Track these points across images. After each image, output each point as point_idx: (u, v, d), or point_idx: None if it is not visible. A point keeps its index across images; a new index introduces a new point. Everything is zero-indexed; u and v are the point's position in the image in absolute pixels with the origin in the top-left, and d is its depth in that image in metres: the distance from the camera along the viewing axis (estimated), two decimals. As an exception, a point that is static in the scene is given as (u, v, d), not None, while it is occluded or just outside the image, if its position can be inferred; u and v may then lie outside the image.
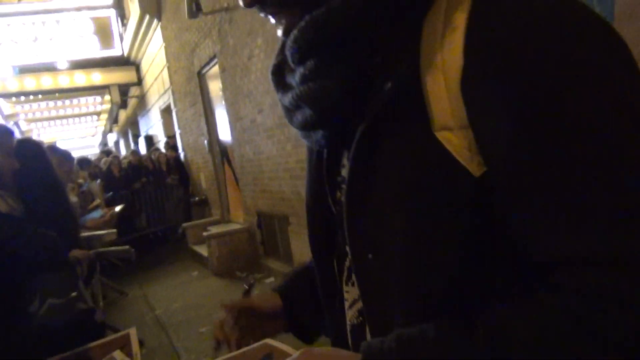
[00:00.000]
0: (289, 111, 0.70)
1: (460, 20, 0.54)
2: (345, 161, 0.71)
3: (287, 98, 0.68)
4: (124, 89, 14.64)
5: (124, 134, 21.53)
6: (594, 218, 0.48)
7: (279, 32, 0.68)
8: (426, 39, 0.57)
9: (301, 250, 5.26)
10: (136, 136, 17.18)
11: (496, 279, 0.56)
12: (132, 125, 18.02)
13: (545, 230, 0.50)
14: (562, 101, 0.49)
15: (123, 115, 18.61)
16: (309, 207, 0.80)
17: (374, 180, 0.60)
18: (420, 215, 0.57)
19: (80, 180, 6.04)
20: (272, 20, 0.68)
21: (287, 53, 0.65)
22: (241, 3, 0.67)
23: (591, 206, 0.48)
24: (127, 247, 2.86)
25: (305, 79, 0.63)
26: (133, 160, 9.87)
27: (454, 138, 0.54)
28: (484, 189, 0.53)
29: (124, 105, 16.28)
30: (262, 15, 0.68)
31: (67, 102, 16.37)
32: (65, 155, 3.13)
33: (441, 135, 0.55)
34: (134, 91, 14.92)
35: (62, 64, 12.54)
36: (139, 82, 13.96)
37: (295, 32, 0.62)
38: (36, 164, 2.43)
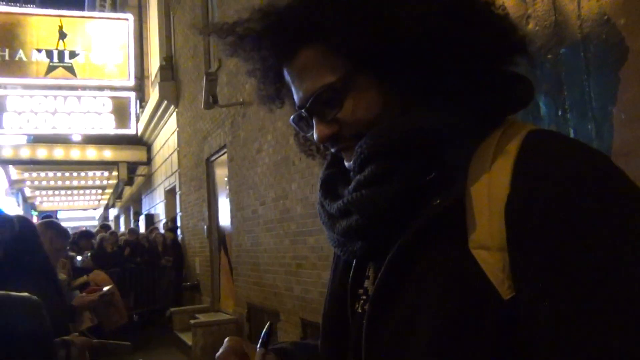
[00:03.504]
0: (333, 218, 0.73)
1: (511, 153, 0.60)
2: (370, 273, 0.73)
3: (335, 205, 0.71)
4: (132, 167, 14.89)
5: (125, 210, 21.61)
6: None
7: (346, 164, 0.73)
8: (476, 162, 0.62)
9: (288, 349, 5.10)
10: (137, 214, 17.24)
11: None
12: (135, 203, 18.14)
13: None
14: (598, 265, 0.52)
15: (128, 191, 18.79)
16: (327, 314, 0.81)
17: (401, 295, 0.62)
18: (446, 333, 0.57)
19: (72, 254, 5.98)
20: (343, 156, 0.74)
21: (353, 158, 0.69)
22: (316, 139, 0.72)
23: None
24: (128, 343, 2.78)
25: (360, 185, 0.67)
26: (130, 239, 9.84)
27: (490, 258, 0.57)
28: (511, 313, 0.55)
29: (130, 182, 16.49)
30: (333, 150, 0.75)
31: (75, 174, 16.61)
32: (61, 232, 3.13)
33: (477, 254, 0.58)
34: (141, 170, 15.17)
35: (76, 137, 12.85)
36: (148, 161, 14.23)
37: (365, 137, 0.67)
38: (27, 247, 2.44)
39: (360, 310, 0.72)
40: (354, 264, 0.77)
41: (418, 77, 0.66)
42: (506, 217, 0.57)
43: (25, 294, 2.02)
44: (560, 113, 2.64)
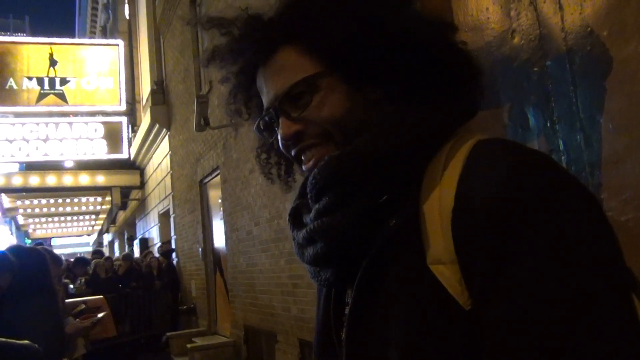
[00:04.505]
0: (301, 247, 0.74)
1: (457, 166, 0.61)
2: (348, 299, 0.73)
3: (301, 234, 0.73)
4: (125, 191, 14.84)
5: (120, 234, 21.49)
6: None
7: (304, 167, 0.75)
8: (428, 177, 0.64)
9: (286, 370, 5.05)
10: (131, 238, 17.14)
11: None
12: (129, 227, 18.04)
13: None
14: (537, 262, 0.52)
15: (122, 216, 18.70)
16: (317, 345, 0.81)
17: (372, 318, 0.63)
18: (417, 351, 0.58)
19: (66, 281, 5.93)
20: (302, 158, 0.75)
21: (307, 189, 0.71)
22: (279, 137, 0.74)
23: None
24: None
25: (320, 214, 0.69)
26: (124, 265, 9.76)
27: (447, 271, 0.58)
28: (475, 323, 0.55)
29: (123, 206, 16.43)
30: (294, 151, 0.75)
31: (68, 200, 16.54)
32: (54, 259, 3.12)
33: (435, 269, 0.59)
34: (135, 194, 15.12)
35: (68, 164, 12.82)
36: (142, 185, 14.20)
37: (317, 169, 0.69)
38: (35, 278, 2.45)
39: (344, 337, 0.72)
40: (333, 292, 0.78)
41: (383, 84, 0.70)
42: (452, 230, 0.58)
43: (27, 341, 2.02)
44: (548, 124, 2.66)
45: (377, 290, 0.63)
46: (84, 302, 4.69)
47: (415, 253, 0.61)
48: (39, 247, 3.78)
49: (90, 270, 9.06)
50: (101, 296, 5.14)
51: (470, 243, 0.56)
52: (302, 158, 0.75)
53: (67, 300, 4.55)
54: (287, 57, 0.73)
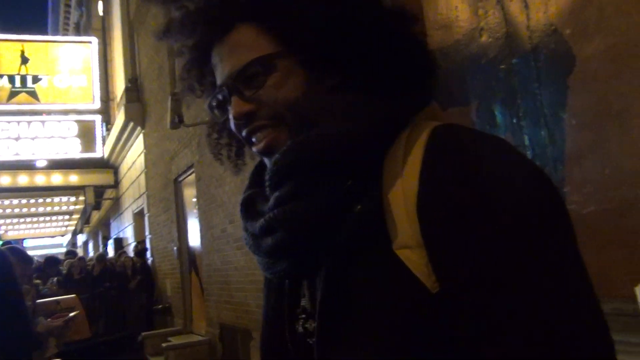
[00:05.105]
0: (257, 238, 0.71)
1: (418, 152, 0.62)
2: (305, 291, 0.73)
3: (257, 224, 0.70)
4: (99, 191, 14.64)
5: (94, 235, 21.19)
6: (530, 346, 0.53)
7: (254, 149, 0.73)
8: (388, 166, 0.64)
9: (261, 367, 5.05)
10: (106, 238, 16.92)
11: None
12: (104, 227, 17.81)
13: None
14: (504, 242, 0.55)
15: (95, 216, 18.44)
16: (265, 340, 0.80)
17: (344, 306, 0.62)
18: (390, 334, 0.58)
19: (37, 281, 5.84)
20: (253, 139, 0.73)
21: (267, 176, 0.68)
22: (231, 116, 0.72)
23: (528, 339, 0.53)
24: None
25: (281, 201, 0.66)
26: (98, 266, 9.64)
27: (413, 255, 0.58)
28: (442, 305, 0.57)
29: (97, 206, 16.20)
30: (245, 131, 0.73)
31: (40, 200, 16.25)
32: (23, 259, 3.07)
33: (401, 254, 0.59)
34: (109, 193, 14.93)
35: (41, 163, 12.60)
36: (116, 184, 14.02)
37: (277, 155, 0.67)
38: None
39: (302, 330, 0.72)
40: (287, 285, 0.76)
41: (341, 70, 0.69)
42: (418, 214, 0.59)
43: None
44: (515, 121, 2.72)
45: (344, 277, 0.63)
46: (57, 301, 4.62)
47: (381, 239, 0.61)
48: (3, 247, 3.73)
49: (64, 271, 8.94)
50: (74, 295, 5.07)
51: (437, 227, 0.57)
52: (253, 139, 0.74)
53: (39, 301, 4.49)
54: (244, 35, 0.71)
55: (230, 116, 0.73)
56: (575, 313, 0.54)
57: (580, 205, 2.37)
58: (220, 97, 0.75)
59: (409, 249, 0.59)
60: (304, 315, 0.71)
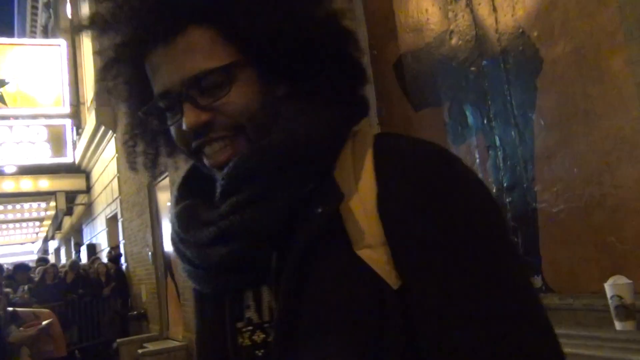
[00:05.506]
0: (203, 248, 0.68)
1: (368, 158, 0.66)
2: (250, 302, 0.71)
3: (206, 233, 0.66)
4: (71, 196, 14.38)
5: (66, 241, 20.79)
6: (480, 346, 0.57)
7: (207, 161, 0.69)
8: (340, 169, 0.66)
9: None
10: (78, 244, 16.62)
11: None
12: (76, 233, 17.48)
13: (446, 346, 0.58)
14: (458, 240, 0.60)
15: (67, 222, 18.10)
16: (204, 353, 0.78)
17: (304, 312, 0.62)
18: (352, 330, 0.60)
19: (7, 290, 5.72)
20: (205, 151, 0.69)
21: (221, 182, 0.66)
22: (185, 125, 0.67)
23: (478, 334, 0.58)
24: None
25: (239, 206, 0.64)
26: (70, 274, 9.47)
27: (374, 254, 0.61)
28: (403, 300, 0.60)
29: (69, 212, 15.90)
30: (197, 142, 0.69)
31: (9, 207, 15.87)
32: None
33: (363, 254, 0.61)
34: (81, 198, 14.67)
35: (9, 169, 12.32)
36: (88, 190, 13.79)
37: (235, 161, 0.66)
38: None
39: (248, 343, 0.70)
40: (229, 298, 0.73)
41: (293, 80, 0.70)
42: (380, 215, 0.62)
43: None
44: (485, 122, 2.77)
45: (305, 284, 0.63)
46: (35, 314, 4.54)
47: (342, 242, 0.63)
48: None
49: (36, 278, 8.76)
50: (48, 311, 4.98)
51: (398, 226, 0.61)
52: (205, 151, 0.70)
53: (18, 309, 4.41)
54: (198, 39, 0.66)
55: (182, 126, 0.68)
56: (522, 302, 0.60)
57: (551, 204, 2.42)
58: (163, 103, 0.70)
59: (370, 248, 0.61)
60: (250, 327, 0.70)
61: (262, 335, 0.69)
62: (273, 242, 0.66)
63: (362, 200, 0.63)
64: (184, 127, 0.67)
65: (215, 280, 0.70)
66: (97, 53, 0.77)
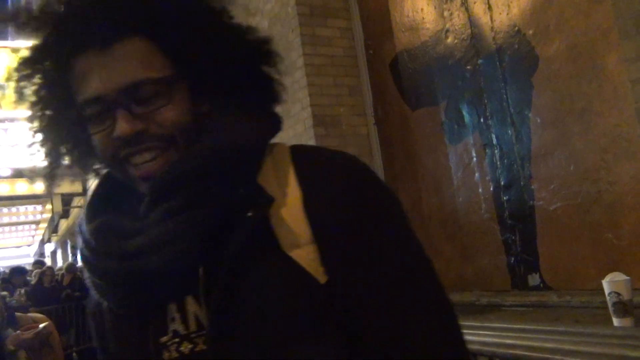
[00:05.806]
0: (128, 259, 0.66)
1: (288, 164, 0.72)
2: (174, 314, 0.69)
3: (133, 243, 0.66)
4: (67, 199, 14.35)
5: (62, 244, 20.75)
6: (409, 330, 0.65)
7: (137, 172, 0.68)
8: (264, 177, 0.70)
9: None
10: (75, 247, 16.59)
11: None
12: (72, 236, 17.44)
13: (374, 330, 0.65)
14: (374, 234, 0.67)
15: (64, 224, 18.06)
16: None
17: (238, 317, 0.64)
18: (288, 329, 0.64)
19: (4, 293, 5.68)
20: (133, 160, 0.69)
21: (151, 190, 0.67)
22: (118, 132, 0.66)
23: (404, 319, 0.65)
24: None
25: (171, 213, 0.65)
26: (68, 277, 9.44)
27: (303, 253, 0.65)
28: (330, 293, 0.65)
29: (65, 215, 15.87)
30: (127, 151, 0.68)
31: (5, 210, 15.84)
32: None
33: (293, 253, 0.65)
34: (77, 201, 14.64)
35: (5, 172, 12.28)
36: (84, 192, 13.75)
37: (166, 168, 0.67)
38: None
39: (176, 355, 0.68)
40: (150, 314, 0.70)
41: (218, 95, 0.74)
42: (307, 216, 0.67)
43: None
44: (482, 120, 2.77)
45: (237, 285, 0.64)
46: (33, 320, 4.52)
47: (271, 243, 0.66)
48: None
49: (33, 281, 8.73)
50: (44, 318, 4.95)
51: (325, 225, 0.66)
52: (133, 161, 0.69)
53: (17, 314, 4.39)
54: (134, 48, 0.67)
55: (109, 133, 0.67)
56: (432, 290, 0.68)
57: (548, 202, 2.43)
58: (91, 110, 0.68)
59: (299, 247, 0.65)
60: (176, 340, 0.68)
61: (190, 346, 0.68)
62: (212, 244, 0.65)
63: (289, 204, 0.68)
64: (116, 134, 0.66)
65: (137, 295, 0.68)
66: (12, 51, 0.75)
